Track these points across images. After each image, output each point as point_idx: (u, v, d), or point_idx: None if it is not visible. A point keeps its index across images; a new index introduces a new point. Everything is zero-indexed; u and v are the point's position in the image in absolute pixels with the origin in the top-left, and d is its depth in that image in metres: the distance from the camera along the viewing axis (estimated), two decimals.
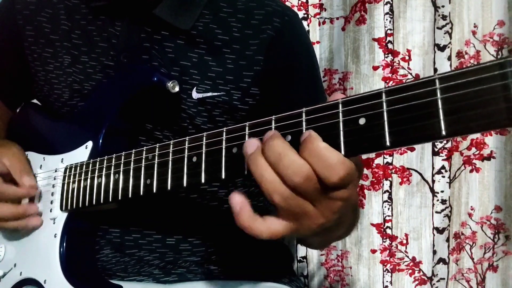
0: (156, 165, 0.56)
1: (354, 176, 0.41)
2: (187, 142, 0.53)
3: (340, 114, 0.41)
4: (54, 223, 0.71)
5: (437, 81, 0.36)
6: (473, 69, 0.35)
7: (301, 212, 0.42)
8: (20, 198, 0.74)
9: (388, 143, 0.38)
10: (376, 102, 0.39)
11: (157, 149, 0.57)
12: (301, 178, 0.40)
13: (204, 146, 0.51)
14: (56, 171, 0.74)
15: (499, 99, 0.33)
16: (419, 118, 0.36)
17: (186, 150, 0.53)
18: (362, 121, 0.39)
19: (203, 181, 0.50)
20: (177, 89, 0.69)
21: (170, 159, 0.55)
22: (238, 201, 0.43)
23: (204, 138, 0.51)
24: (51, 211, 0.72)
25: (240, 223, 0.43)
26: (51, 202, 0.73)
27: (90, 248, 0.74)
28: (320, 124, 0.42)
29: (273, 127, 0.45)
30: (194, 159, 0.52)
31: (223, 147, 0.49)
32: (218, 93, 0.74)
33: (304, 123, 0.43)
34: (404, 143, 0.38)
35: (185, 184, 0.52)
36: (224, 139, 0.49)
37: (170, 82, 0.68)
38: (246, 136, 0.47)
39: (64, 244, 0.69)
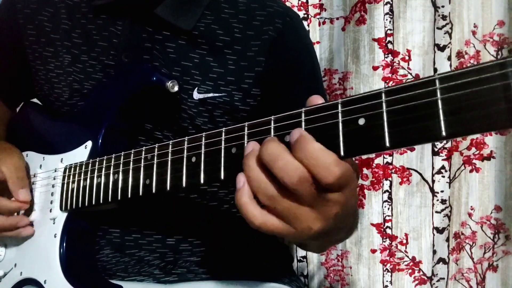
0: (155, 165, 0.56)
1: (350, 178, 0.41)
2: (186, 142, 0.53)
3: (340, 114, 0.40)
4: (54, 223, 0.71)
5: (437, 81, 0.36)
6: (473, 69, 0.34)
7: (291, 215, 0.42)
8: (12, 212, 0.74)
9: (387, 144, 0.38)
10: (375, 102, 0.39)
11: (156, 149, 0.57)
12: (295, 179, 0.40)
13: (203, 146, 0.51)
14: (55, 171, 0.74)
15: (500, 100, 0.33)
16: (419, 118, 0.36)
17: (185, 150, 0.52)
18: (361, 121, 0.39)
19: (202, 181, 0.50)
20: (176, 88, 0.68)
21: (169, 159, 0.55)
22: (243, 179, 0.43)
23: (203, 138, 0.51)
24: (50, 211, 0.72)
25: (238, 199, 0.43)
26: (51, 202, 0.73)
27: (90, 248, 0.74)
28: (319, 124, 0.42)
29: (272, 127, 0.45)
30: (193, 159, 0.51)
31: (222, 147, 0.49)
32: (219, 94, 0.74)
33: (303, 123, 0.43)
34: (404, 143, 0.37)
35: (184, 185, 0.52)
36: (223, 139, 0.49)
37: (170, 82, 0.68)
38: (245, 136, 0.47)
39: (64, 244, 0.69)
